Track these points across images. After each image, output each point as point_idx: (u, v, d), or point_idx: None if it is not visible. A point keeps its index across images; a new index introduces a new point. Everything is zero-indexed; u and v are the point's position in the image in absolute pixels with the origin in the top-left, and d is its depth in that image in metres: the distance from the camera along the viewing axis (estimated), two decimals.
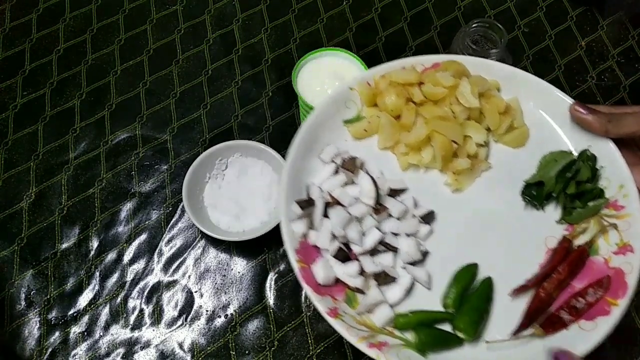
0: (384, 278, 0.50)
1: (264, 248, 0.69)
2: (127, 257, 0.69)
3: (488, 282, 0.51)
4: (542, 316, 0.49)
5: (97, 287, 0.67)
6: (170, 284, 0.68)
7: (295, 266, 0.49)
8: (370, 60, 0.80)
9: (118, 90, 0.79)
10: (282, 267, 0.68)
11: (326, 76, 0.65)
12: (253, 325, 0.65)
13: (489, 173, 0.56)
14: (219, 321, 0.66)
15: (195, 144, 0.76)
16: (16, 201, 0.72)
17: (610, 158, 0.52)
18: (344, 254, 0.50)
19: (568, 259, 0.51)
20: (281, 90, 0.79)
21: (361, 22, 0.84)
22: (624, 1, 0.85)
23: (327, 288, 0.49)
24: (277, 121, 0.77)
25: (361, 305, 0.49)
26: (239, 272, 0.68)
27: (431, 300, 0.51)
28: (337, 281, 0.50)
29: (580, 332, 0.47)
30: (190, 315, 0.66)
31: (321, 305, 0.47)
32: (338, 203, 0.52)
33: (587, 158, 0.53)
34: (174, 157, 0.75)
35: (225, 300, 0.67)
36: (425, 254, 0.52)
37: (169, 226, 0.70)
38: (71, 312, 0.66)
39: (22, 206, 0.72)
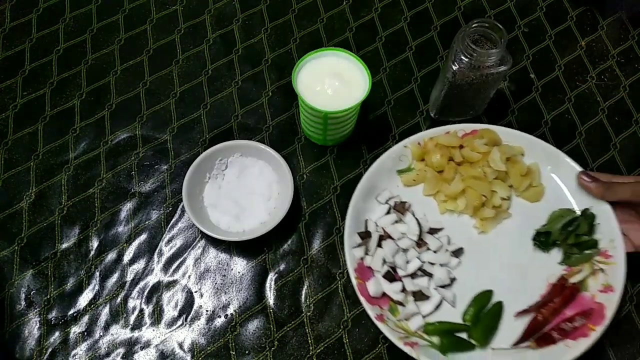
0: (420, 295, 0.64)
1: (264, 248, 0.69)
2: (127, 257, 0.69)
3: (499, 305, 0.64)
4: (538, 334, 0.62)
5: (97, 287, 0.67)
6: (170, 284, 0.68)
7: (354, 282, 0.63)
8: (370, 60, 0.80)
9: (118, 90, 0.79)
10: (282, 267, 0.68)
11: (326, 76, 0.65)
12: (253, 325, 0.65)
13: (509, 220, 0.69)
14: (219, 321, 0.66)
15: (195, 144, 0.76)
16: (16, 201, 0.72)
17: (605, 217, 0.65)
18: (391, 276, 0.64)
19: (563, 293, 0.64)
20: (281, 90, 0.79)
21: (361, 22, 0.84)
22: (624, 1, 0.85)
23: (376, 299, 0.63)
24: (277, 121, 0.77)
25: (401, 314, 0.64)
26: (239, 272, 0.68)
27: (454, 315, 0.64)
28: (384, 295, 0.64)
29: (565, 348, 0.60)
30: (190, 315, 0.66)
31: (372, 312, 0.61)
32: (389, 236, 0.66)
33: (588, 216, 0.65)
34: (174, 157, 0.75)
35: (225, 300, 0.67)
36: (453, 279, 0.66)
37: (169, 226, 0.71)
38: (71, 312, 0.66)
39: (22, 206, 0.72)
